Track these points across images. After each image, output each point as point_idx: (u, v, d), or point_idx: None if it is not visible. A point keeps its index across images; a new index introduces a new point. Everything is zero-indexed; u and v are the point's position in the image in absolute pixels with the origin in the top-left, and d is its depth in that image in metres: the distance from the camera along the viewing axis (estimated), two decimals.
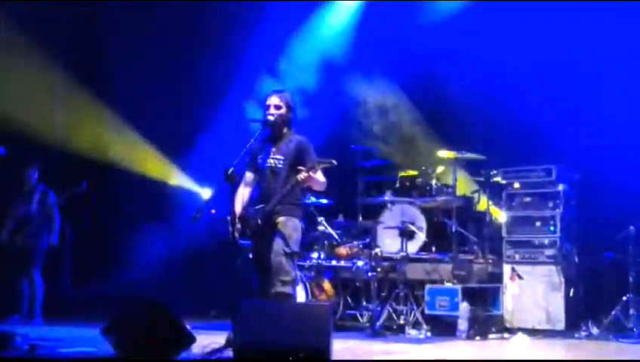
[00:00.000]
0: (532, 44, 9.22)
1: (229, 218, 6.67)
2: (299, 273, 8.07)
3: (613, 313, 8.05)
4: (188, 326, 6.07)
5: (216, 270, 9.65)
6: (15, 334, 6.48)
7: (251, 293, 6.81)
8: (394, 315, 8.53)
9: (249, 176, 6.89)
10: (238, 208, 6.70)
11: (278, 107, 6.76)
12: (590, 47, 8.82)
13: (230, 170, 6.44)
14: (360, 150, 9.39)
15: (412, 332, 8.32)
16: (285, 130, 6.80)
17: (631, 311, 8.04)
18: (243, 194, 6.83)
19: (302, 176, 6.43)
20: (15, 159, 9.01)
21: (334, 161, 6.45)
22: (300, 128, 6.93)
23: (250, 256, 6.91)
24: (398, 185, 9.58)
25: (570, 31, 8.96)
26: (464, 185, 9.48)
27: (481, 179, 9.23)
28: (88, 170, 10.32)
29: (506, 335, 8.30)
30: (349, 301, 9.13)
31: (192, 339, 5.98)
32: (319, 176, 6.61)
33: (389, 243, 9.16)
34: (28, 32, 10.31)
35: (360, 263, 8.85)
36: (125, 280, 10.23)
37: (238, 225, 6.61)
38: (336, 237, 9.26)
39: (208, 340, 6.43)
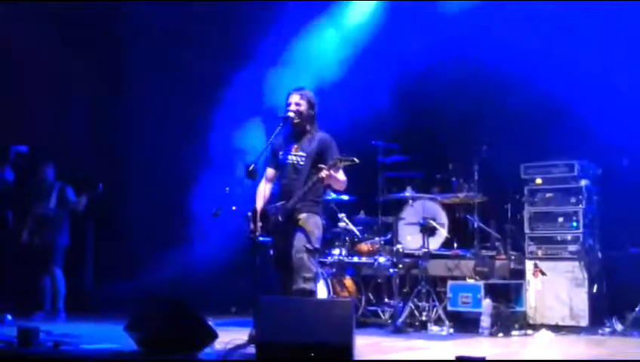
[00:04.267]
0: (554, 35, 9.15)
1: (249, 214, 6.68)
2: (320, 269, 8.08)
3: (637, 309, 7.98)
4: (210, 323, 6.08)
5: (237, 266, 9.66)
6: (39, 330, 6.51)
7: (272, 290, 6.82)
8: (416, 312, 8.49)
9: (270, 172, 6.89)
10: (259, 204, 6.71)
11: (298, 104, 6.76)
12: (614, 40, 8.74)
13: (251, 167, 6.45)
14: (380, 146, 9.36)
15: (434, 328, 8.30)
16: (308, 127, 6.80)
17: None
18: (264, 190, 6.83)
19: (323, 174, 6.42)
20: (34, 157, 9.07)
21: (356, 159, 6.43)
22: (321, 124, 6.92)
23: (271, 252, 6.92)
24: (418, 181, 9.55)
25: (595, 23, 8.88)
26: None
27: (502, 174, 9.19)
28: (108, 169, 10.37)
29: (529, 331, 8.25)
30: (371, 297, 9.12)
31: (214, 335, 5.99)
32: (340, 175, 6.60)
33: (410, 239, 9.14)
34: (49, 32, 10.39)
35: (381, 259, 8.83)
36: (147, 277, 10.26)
37: (259, 222, 6.61)
38: (358, 233, 9.25)
39: (230, 336, 6.44)
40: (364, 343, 6.81)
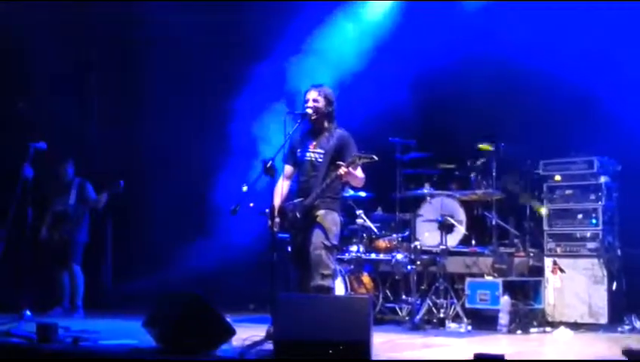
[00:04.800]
0: (573, 30, 9.08)
1: (267, 211, 6.68)
2: (338, 266, 8.08)
3: None
4: (228, 319, 6.09)
5: (255, 263, 9.67)
6: (57, 327, 6.54)
7: (290, 287, 6.82)
8: (434, 309, 8.47)
9: (288, 169, 6.89)
10: (277, 201, 6.71)
11: (316, 100, 6.76)
12: (634, 34, 8.67)
13: (269, 163, 6.46)
14: (399, 142, 9.33)
15: (452, 325, 8.27)
16: (326, 123, 6.80)
17: None
18: (282, 187, 6.83)
19: (341, 171, 6.42)
20: (54, 154, 9.09)
21: (375, 157, 6.42)
22: (339, 120, 6.91)
23: (289, 249, 6.92)
24: (436, 178, 9.53)
25: (616, 16, 8.82)
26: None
27: (522, 171, 9.15)
28: (127, 165, 10.39)
29: (547, 329, 8.22)
30: (388, 294, 9.11)
31: (232, 332, 6.00)
32: (358, 173, 6.60)
33: (428, 236, 9.11)
34: (65, 31, 10.43)
35: (399, 256, 8.82)
36: (165, 274, 10.29)
37: (277, 219, 6.61)
38: (375, 230, 9.24)
39: (248, 333, 6.45)
40: (381, 340, 6.81)
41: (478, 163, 9.32)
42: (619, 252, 8.61)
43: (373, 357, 5.63)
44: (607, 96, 8.82)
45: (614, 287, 8.34)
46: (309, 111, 6.74)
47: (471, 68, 9.71)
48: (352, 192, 8.85)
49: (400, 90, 10.13)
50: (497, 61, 9.53)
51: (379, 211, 9.56)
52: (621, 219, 8.71)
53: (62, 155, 9.65)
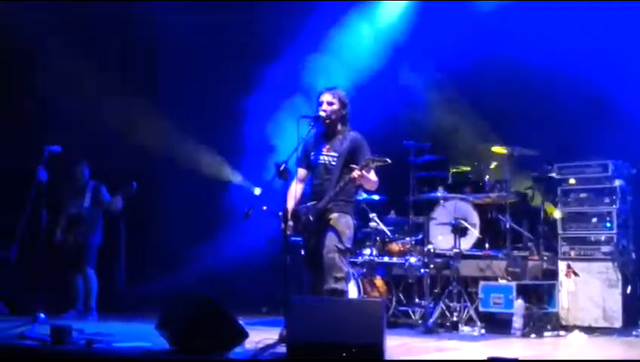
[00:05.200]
0: (589, 32, 9.06)
1: (281, 214, 6.69)
2: (351, 269, 8.07)
3: None
4: (241, 322, 6.10)
5: (268, 266, 9.68)
6: (71, 329, 6.57)
7: (303, 290, 6.82)
8: (447, 312, 8.45)
9: (301, 172, 6.89)
10: (290, 204, 6.72)
11: (330, 103, 6.76)
12: None
13: (282, 166, 6.47)
14: (412, 146, 9.31)
15: (465, 329, 8.24)
16: (339, 126, 6.79)
17: None
18: (295, 190, 6.84)
19: (355, 174, 6.41)
20: (68, 157, 9.14)
21: (388, 160, 6.41)
22: (352, 123, 6.91)
23: (302, 252, 6.92)
24: (450, 180, 9.52)
25: (629, 20, 8.80)
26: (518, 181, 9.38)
27: (536, 174, 9.13)
28: (142, 168, 10.42)
29: (561, 332, 8.17)
30: (402, 297, 9.09)
31: (245, 335, 6.00)
32: (371, 176, 6.58)
33: (441, 239, 9.08)
34: (83, 33, 10.48)
35: (412, 260, 8.80)
36: (178, 276, 10.32)
37: (290, 222, 6.63)
38: (389, 233, 9.23)
39: (261, 336, 6.45)
40: (394, 343, 6.78)
41: (492, 166, 9.29)
42: (633, 255, 8.56)
43: (387, 359, 5.62)
44: (622, 98, 8.80)
45: (629, 291, 8.28)
46: (323, 114, 6.74)
47: (485, 69, 9.71)
48: (365, 195, 8.84)
49: (414, 92, 10.15)
50: (512, 62, 9.52)
51: (392, 214, 9.55)
52: (635, 223, 8.65)
53: (77, 158, 9.69)
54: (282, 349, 6.00)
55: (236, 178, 10.84)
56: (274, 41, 10.34)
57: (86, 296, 9.44)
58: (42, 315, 8.68)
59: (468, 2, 9.75)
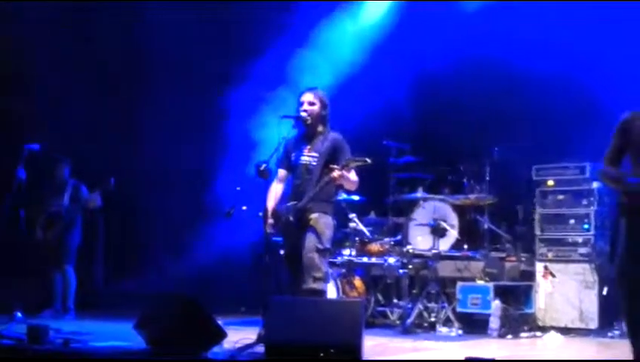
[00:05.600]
0: (569, 34, 9.12)
1: (261, 214, 6.70)
2: (330, 270, 8.08)
3: None
4: (219, 322, 6.10)
5: (248, 266, 9.68)
6: (49, 328, 6.54)
7: (282, 289, 6.83)
8: (425, 313, 8.49)
9: (282, 172, 6.89)
10: (270, 204, 6.73)
11: (311, 103, 6.76)
12: (631, 39, 8.71)
13: (263, 166, 6.47)
14: (392, 146, 9.36)
15: (443, 329, 8.29)
16: (320, 127, 6.80)
17: None
18: (276, 190, 6.84)
19: (334, 174, 6.43)
20: (47, 155, 9.09)
21: (368, 160, 6.42)
22: (333, 123, 6.92)
23: (282, 252, 6.93)
24: (429, 182, 9.56)
25: (609, 21, 8.86)
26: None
27: (515, 176, 9.20)
28: (120, 166, 10.39)
29: (538, 333, 8.23)
30: (380, 298, 9.12)
31: (223, 334, 6.00)
32: (352, 176, 6.59)
33: (420, 240, 9.13)
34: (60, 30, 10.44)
35: (391, 260, 8.83)
36: (157, 276, 10.30)
37: (271, 221, 6.63)
38: (368, 233, 9.25)
39: (239, 336, 6.46)
40: (372, 344, 6.82)
41: (472, 167, 9.35)
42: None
43: (364, 360, 5.64)
44: (602, 99, 8.83)
45: (605, 292, 8.35)
46: (304, 114, 6.74)
47: (466, 71, 9.75)
48: (345, 196, 8.87)
49: (395, 92, 10.17)
50: (492, 64, 9.56)
51: (372, 215, 9.59)
52: (613, 225, 8.72)
53: (58, 156, 9.65)
54: (260, 349, 6.01)
55: (218, 176, 10.82)
56: (258, 36, 10.33)
57: (64, 294, 9.40)
58: (20, 314, 8.65)
59: (451, 2, 9.78)
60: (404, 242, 9.09)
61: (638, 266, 5.02)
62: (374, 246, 9.19)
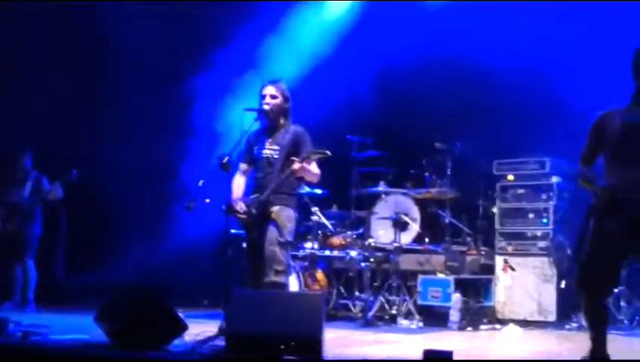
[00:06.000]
0: (530, 31, 9.22)
1: (224, 207, 6.69)
2: (292, 263, 8.11)
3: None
4: (180, 314, 6.09)
5: (210, 259, 9.66)
6: (8, 321, 6.49)
7: (244, 282, 6.84)
8: (386, 305, 8.56)
9: (243, 166, 6.90)
10: (233, 197, 6.73)
11: (273, 97, 6.76)
12: (590, 38, 8.81)
13: (225, 159, 6.46)
14: (355, 141, 9.41)
15: (404, 322, 8.37)
16: (282, 120, 6.81)
17: (622, 303, 8.11)
18: (238, 183, 6.85)
19: (295, 166, 6.45)
20: (6, 146, 9.00)
21: (328, 152, 6.45)
22: (295, 118, 6.94)
23: (244, 245, 6.94)
24: (392, 176, 9.62)
25: (572, 20, 8.97)
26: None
27: (476, 170, 9.29)
28: (82, 158, 10.30)
29: (497, 326, 8.35)
30: (342, 291, 9.17)
31: (184, 327, 5.99)
32: (313, 168, 6.62)
33: (382, 233, 9.19)
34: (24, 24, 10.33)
35: (353, 253, 8.89)
36: (119, 268, 10.23)
37: (232, 215, 6.63)
38: (330, 227, 9.30)
39: (200, 328, 6.45)
40: (333, 336, 6.85)
41: (434, 161, 9.42)
42: (568, 251, 8.75)
43: (325, 352, 5.67)
44: (562, 96, 8.95)
45: (563, 286, 8.49)
46: (267, 107, 6.74)
47: (429, 67, 9.81)
48: (308, 189, 8.89)
49: (359, 87, 10.20)
50: (455, 60, 9.64)
51: (334, 208, 9.63)
52: (572, 219, 8.85)
53: (20, 148, 9.55)
54: (221, 342, 6.01)
55: (182, 167, 10.77)
56: (222, 25, 10.30)
57: (24, 287, 9.31)
58: None
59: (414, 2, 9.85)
60: (366, 235, 9.14)
61: (602, 268, 5.07)
62: (336, 240, 9.24)
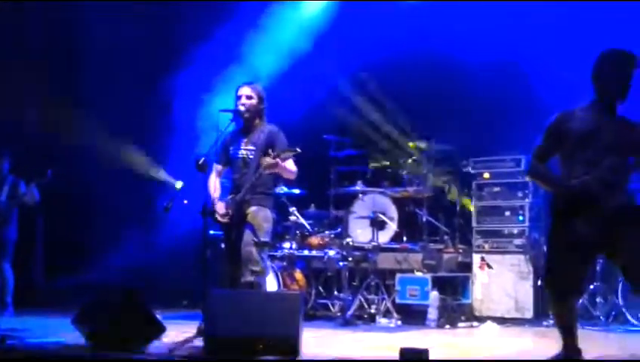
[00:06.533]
0: (504, 29, 9.28)
1: (202, 208, 6.69)
2: (270, 263, 8.13)
3: (580, 301, 8.16)
4: (158, 316, 6.09)
5: (189, 260, 9.65)
6: None
7: (222, 283, 6.85)
8: (365, 304, 8.59)
9: (219, 167, 6.92)
10: (210, 197, 6.74)
11: (249, 97, 6.79)
12: (563, 35, 8.89)
13: (201, 160, 6.47)
14: (333, 140, 9.44)
15: (383, 321, 8.40)
16: (257, 120, 6.83)
17: (598, 299, 8.18)
18: (215, 184, 6.86)
19: (266, 162, 6.45)
20: None
21: (298, 149, 6.48)
22: (271, 118, 6.97)
23: (222, 245, 6.95)
24: (369, 175, 9.67)
25: (546, 18, 9.05)
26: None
27: (453, 168, 9.36)
28: (60, 161, 10.25)
29: (475, 323, 8.40)
30: (321, 290, 9.20)
31: (162, 329, 6.00)
32: (289, 165, 6.64)
33: (360, 233, 9.23)
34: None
35: (331, 253, 8.92)
36: (97, 271, 10.20)
37: (210, 216, 6.64)
38: (308, 227, 9.32)
39: (179, 330, 6.46)
40: (312, 336, 6.86)
41: (411, 160, 9.47)
42: (545, 248, 8.81)
43: (303, 352, 5.70)
44: (537, 93, 9.02)
45: (540, 283, 8.55)
46: (242, 108, 6.76)
47: (405, 64, 9.86)
48: (285, 189, 8.92)
49: (336, 86, 10.24)
50: (432, 58, 9.70)
51: (312, 208, 9.65)
52: (547, 216, 8.90)
53: None
54: (200, 343, 6.02)
55: (159, 170, 10.76)
56: (200, 24, 10.30)
57: (1, 291, 9.26)
58: None
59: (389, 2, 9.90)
60: (344, 235, 9.17)
61: (568, 270, 5.11)
62: (315, 240, 9.26)
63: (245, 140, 6.78)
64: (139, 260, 10.37)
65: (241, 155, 6.77)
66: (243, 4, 10.12)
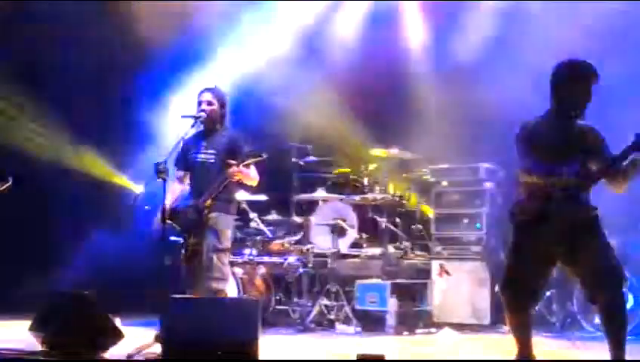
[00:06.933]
0: (465, 39, 9.39)
1: (159, 214, 6.68)
2: (230, 269, 8.12)
3: (537, 308, 8.25)
4: (116, 322, 6.08)
5: (148, 266, 9.60)
6: None
7: (181, 289, 6.84)
8: (325, 311, 8.62)
9: (179, 172, 6.92)
10: (168, 204, 6.72)
11: (210, 103, 6.82)
12: (522, 43, 9.01)
13: (161, 165, 6.45)
14: (295, 147, 9.47)
15: (342, 327, 8.43)
16: (218, 126, 6.86)
17: (554, 306, 8.29)
18: (174, 190, 6.86)
19: (231, 170, 6.48)
20: None
21: (264, 155, 6.51)
22: (233, 124, 7.00)
23: (183, 252, 6.94)
24: (331, 182, 9.71)
25: (511, 23, 9.17)
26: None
27: (412, 176, 9.45)
28: (21, 166, 10.15)
29: (433, 330, 8.47)
30: (281, 297, 9.20)
31: (120, 335, 5.99)
32: (251, 172, 6.67)
33: (321, 239, 9.24)
34: None
35: (292, 259, 8.94)
36: (56, 276, 10.11)
37: (170, 221, 6.63)
38: (269, 233, 9.33)
39: (137, 336, 6.44)
40: (271, 342, 6.89)
41: (371, 168, 9.54)
42: (502, 255, 8.93)
43: (261, 358, 5.72)
44: (495, 103, 9.10)
45: (497, 289, 8.61)
46: (203, 114, 6.78)
47: (366, 71, 9.92)
48: (246, 195, 8.92)
49: (299, 92, 10.28)
50: (391, 66, 9.77)
51: (273, 214, 9.65)
52: (505, 224, 9.01)
53: None
54: (158, 349, 6.01)
55: (120, 176, 10.70)
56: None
57: None
58: None
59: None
60: (304, 241, 9.20)
61: (524, 275, 5.18)
62: (275, 246, 9.27)
63: (205, 144, 6.80)
64: (97, 265, 10.29)
65: (200, 159, 6.79)
66: (210, 4, 10.11)
